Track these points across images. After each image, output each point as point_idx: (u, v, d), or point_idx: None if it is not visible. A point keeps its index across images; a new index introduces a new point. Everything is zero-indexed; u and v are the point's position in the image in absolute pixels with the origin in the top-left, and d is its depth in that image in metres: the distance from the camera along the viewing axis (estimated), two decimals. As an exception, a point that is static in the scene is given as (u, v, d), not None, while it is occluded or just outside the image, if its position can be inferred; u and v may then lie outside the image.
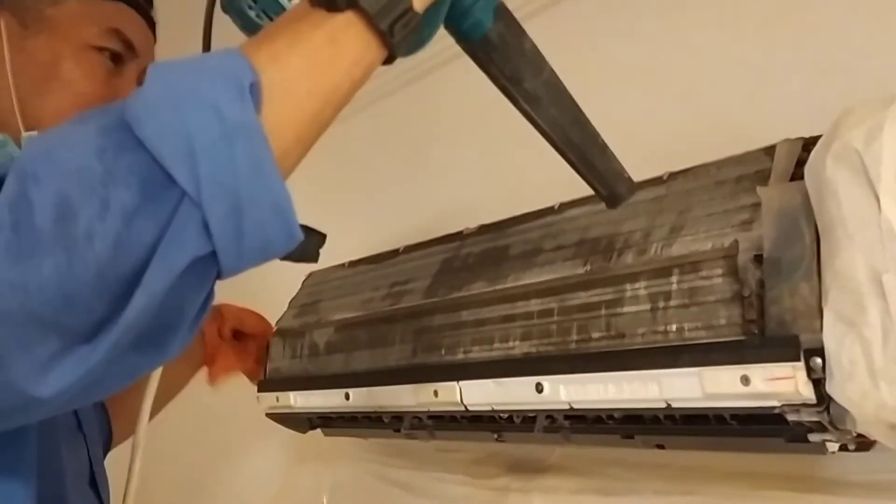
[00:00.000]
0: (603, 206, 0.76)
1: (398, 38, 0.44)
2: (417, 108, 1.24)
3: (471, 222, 0.96)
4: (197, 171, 0.36)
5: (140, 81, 0.69)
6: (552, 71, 0.53)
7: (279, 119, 0.40)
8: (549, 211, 0.84)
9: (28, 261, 0.35)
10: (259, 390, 1.11)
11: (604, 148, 0.57)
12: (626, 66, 0.95)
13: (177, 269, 0.37)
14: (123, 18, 0.67)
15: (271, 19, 0.47)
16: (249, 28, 0.48)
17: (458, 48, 1.16)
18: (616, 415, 0.70)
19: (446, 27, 0.52)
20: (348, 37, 0.42)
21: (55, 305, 0.35)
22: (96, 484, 0.70)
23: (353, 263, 1.12)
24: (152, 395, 0.75)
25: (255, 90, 0.38)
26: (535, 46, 0.53)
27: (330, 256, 1.19)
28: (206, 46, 0.52)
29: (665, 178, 0.73)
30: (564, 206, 0.83)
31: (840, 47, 0.75)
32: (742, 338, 0.59)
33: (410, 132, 1.28)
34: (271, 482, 1.45)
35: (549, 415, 0.75)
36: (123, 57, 0.67)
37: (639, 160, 0.85)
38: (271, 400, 1.10)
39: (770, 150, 0.66)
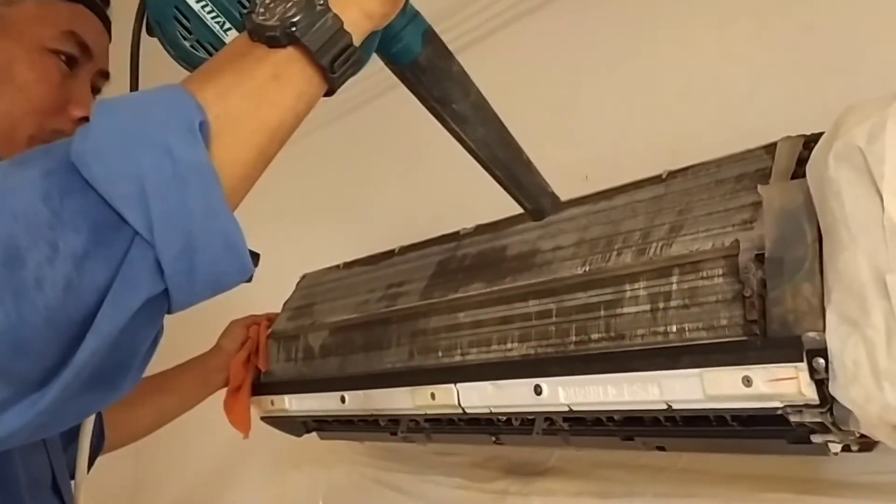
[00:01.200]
0: (603, 205, 0.76)
1: (339, 74, 0.45)
2: (412, 106, 1.24)
3: (467, 222, 0.95)
4: (149, 212, 0.36)
5: (95, 89, 0.68)
6: (479, 92, 0.55)
7: (228, 156, 0.40)
8: (547, 211, 0.83)
9: None
10: (253, 394, 1.10)
11: (528, 164, 0.58)
12: (624, 63, 0.94)
13: (130, 309, 0.36)
14: (80, 20, 0.65)
15: (205, 49, 0.47)
16: (184, 58, 0.48)
17: (451, 46, 1.15)
18: (616, 417, 0.69)
19: (376, 51, 0.52)
20: (292, 73, 0.43)
21: (5, 353, 0.34)
22: (59, 490, 0.69)
23: (347, 265, 1.11)
24: (88, 434, 0.74)
25: (204, 129, 0.38)
26: (462, 69, 0.55)
27: (324, 258, 1.18)
28: (134, 72, 0.52)
29: (664, 176, 0.72)
30: (562, 206, 0.81)
31: (841, 45, 0.75)
32: (744, 338, 0.58)
33: (405, 131, 1.27)
34: (267, 486, 1.44)
35: (548, 417, 0.74)
36: (78, 60, 0.65)
37: (638, 159, 0.85)
38: (266, 404, 1.09)
39: (771, 149, 0.65)
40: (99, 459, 0.92)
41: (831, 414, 0.54)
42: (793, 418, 0.56)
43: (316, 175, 1.40)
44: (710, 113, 0.84)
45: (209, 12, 0.46)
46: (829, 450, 0.60)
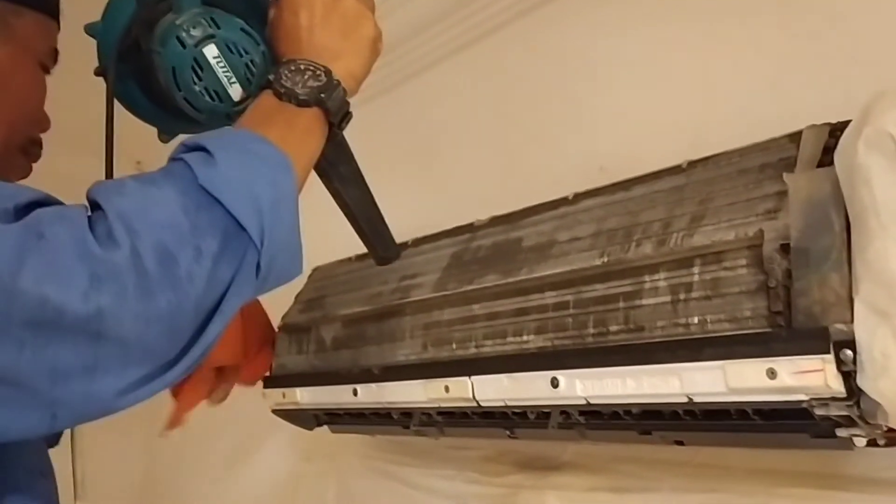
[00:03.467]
0: (620, 195, 0.75)
1: (341, 130, 0.60)
2: (426, 98, 1.22)
3: (482, 214, 0.94)
4: (262, 225, 0.47)
5: None
6: (356, 161, 0.67)
7: None
8: (564, 201, 0.82)
9: (150, 297, 0.43)
10: (265, 386, 1.09)
11: (384, 221, 0.71)
12: (643, 53, 0.93)
13: (243, 299, 0.48)
14: (56, 36, 0.67)
15: (210, 94, 0.58)
16: (189, 98, 0.58)
17: (463, 40, 1.14)
18: (634, 410, 0.68)
19: None
20: (317, 127, 0.57)
21: (161, 337, 0.44)
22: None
23: (360, 257, 1.10)
24: None
25: (291, 167, 0.51)
26: (346, 141, 0.65)
27: (336, 250, 1.17)
28: (109, 115, 0.60)
29: (684, 166, 0.71)
30: (579, 197, 0.80)
31: (866, 35, 0.73)
32: (768, 330, 0.57)
33: (420, 123, 1.26)
34: (279, 479, 1.43)
35: (564, 411, 0.73)
36: (48, 73, 0.68)
37: (655, 150, 0.84)
38: (277, 396, 1.08)
39: (795, 137, 0.64)
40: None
41: (858, 407, 0.53)
42: (818, 411, 0.55)
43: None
44: (731, 103, 0.82)
45: (222, 67, 0.58)
46: (854, 444, 0.58)
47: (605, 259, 0.69)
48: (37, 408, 0.42)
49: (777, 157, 0.64)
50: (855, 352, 0.51)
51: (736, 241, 0.60)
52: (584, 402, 0.69)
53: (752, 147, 0.67)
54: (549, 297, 0.73)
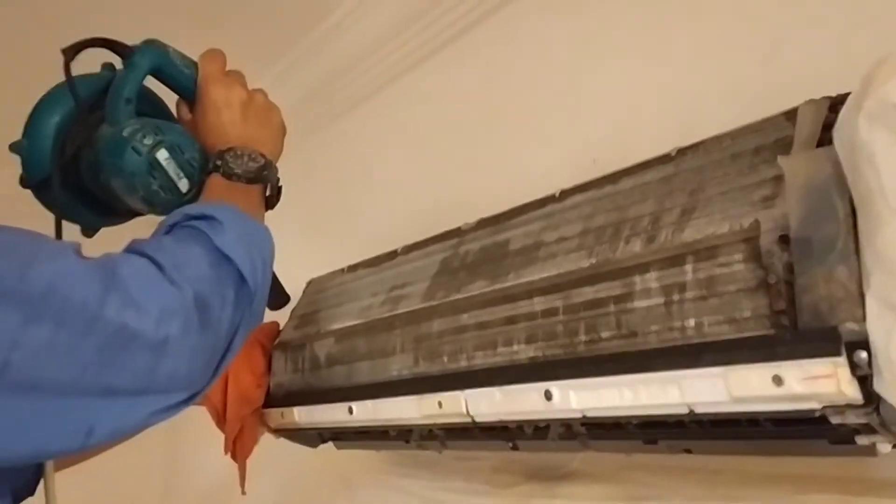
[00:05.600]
0: (608, 189, 0.70)
1: (276, 200, 0.70)
2: (408, 102, 1.18)
3: (471, 216, 0.89)
4: (257, 281, 0.58)
5: None
6: None
7: None
8: (550, 199, 0.77)
9: (203, 334, 0.51)
10: (263, 407, 1.05)
11: (275, 275, 0.74)
12: (630, 35, 0.87)
13: (245, 337, 0.58)
14: None
15: (163, 190, 0.65)
16: (146, 195, 0.65)
17: (442, 38, 1.09)
18: (635, 421, 0.63)
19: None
20: (261, 199, 0.68)
21: (201, 370, 0.52)
22: None
23: (351, 268, 1.05)
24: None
25: (270, 235, 0.64)
26: None
27: (331, 259, 1.13)
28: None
29: (673, 154, 0.66)
30: (566, 194, 0.75)
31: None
32: (771, 332, 0.51)
33: (404, 128, 1.21)
34: (289, 496, 1.40)
35: (564, 422, 0.68)
36: None
37: (648, 137, 0.78)
38: (276, 416, 1.04)
39: (791, 115, 0.58)
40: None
41: (878, 414, 0.48)
42: (834, 419, 0.50)
43: (319, 175, 1.35)
44: (721, 81, 0.76)
45: (172, 167, 0.65)
46: (877, 450, 0.53)
47: (594, 260, 0.64)
48: (79, 423, 0.46)
49: (773, 139, 0.58)
50: (870, 353, 0.46)
51: (730, 233, 0.54)
52: (580, 415, 0.64)
53: (744, 129, 0.61)
54: (538, 303, 0.68)
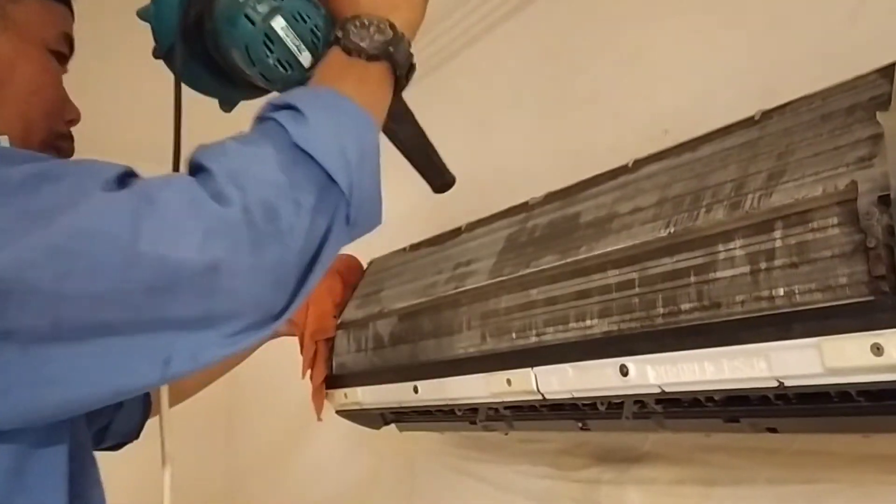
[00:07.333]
0: (686, 157, 0.67)
1: (406, 82, 0.59)
2: (473, 72, 1.16)
3: (538, 191, 0.87)
4: (351, 179, 0.49)
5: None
6: (403, 99, 0.65)
7: None
8: (623, 170, 0.74)
9: (258, 251, 0.45)
10: (327, 387, 1.06)
11: (436, 150, 0.70)
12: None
13: (338, 249, 0.50)
14: (68, 20, 0.65)
15: (282, 65, 0.58)
16: (263, 71, 0.59)
17: (507, 8, 1.06)
18: (716, 397, 0.60)
19: None
20: (385, 80, 0.57)
21: (270, 288, 0.46)
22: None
23: (413, 247, 1.04)
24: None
25: (373, 124, 0.53)
26: None
27: (391, 240, 1.12)
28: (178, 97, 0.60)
29: (757, 117, 0.62)
30: (640, 163, 0.73)
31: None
32: (870, 298, 0.48)
33: (467, 100, 1.20)
34: (354, 479, 1.41)
35: (638, 399, 0.66)
36: (64, 60, 0.65)
37: (724, 105, 0.75)
38: (340, 397, 1.04)
39: (888, 71, 0.55)
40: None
41: None
42: (939, 391, 0.47)
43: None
44: (806, 43, 0.73)
45: (290, 37, 0.58)
46: None
47: (672, 230, 0.62)
48: (153, 356, 0.44)
49: (867, 97, 0.55)
50: (980, 318, 0.43)
51: (824, 196, 0.51)
52: (658, 390, 0.62)
53: (836, 88, 0.58)
54: (612, 277, 0.66)
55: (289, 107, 0.50)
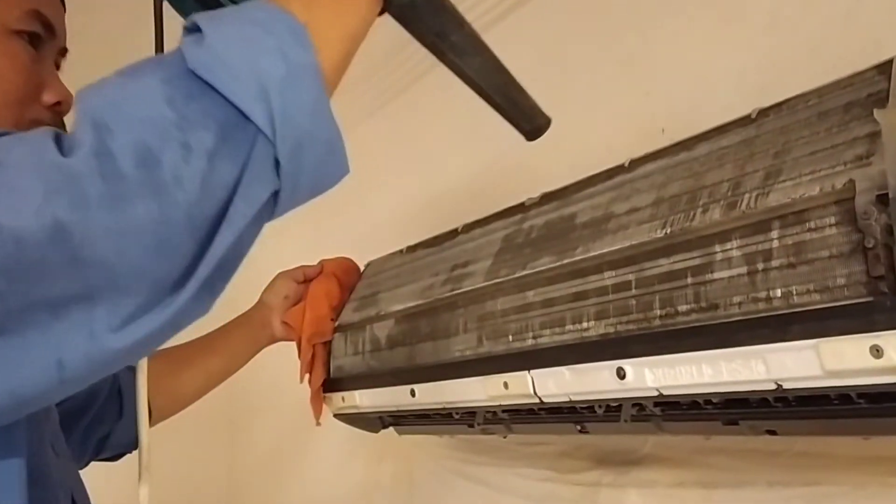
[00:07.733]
0: (683, 156, 0.67)
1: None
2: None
3: (531, 192, 0.86)
4: (271, 110, 0.38)
5: (57, 65, 0.63)
6: (470, 24, 0.57)
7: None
8: (619, 170, 0.73)
9: (121, 207, 0.36)
10: (324, 391, 1.05)
11: (521, 88, 0.61)
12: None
13: (259, 202, 0.39)
14: None
15: None
16: None
17: (502, 7, 1.05)
18: (715, 399, 0.59)
19: None
20: None
21: (146, 253, 0.37)
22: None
23: (410, 248, 1.04)
24: (144, 405, 0.69)
25: (306, 34, 0.41)
26: (453, 3, 0.56)
27: (388, 241, 1.12)
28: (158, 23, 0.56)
29: (754, 116, 0.62)
30: (636, 163, 0.72)
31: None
32: (869, 299, 0.47)
33: (460, 100, 1.19)
34: (352, 483, 1.40)
35: (636, 402, 0.65)
36: (42, 39, 0.60)
37: (721, 105, 0.74)
38: (337, 400, 1.04)
39: (885, 67, 0.54)
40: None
41: None
42: (940, 393, 0.46)
43: (375, 150, 1.34)
44: (802, 40, 0.72)
45: None
46: None
47: (668, 230, 0.61)
48: (42, 357, 0.37)
49: (865, 93, 0.54)
50: (982, 319, 0.42)
51: (821, 195, 0.50)
52: (656, 393, 0.61)
53: (832, 85, 0.57)
54: (609, 278, 0.65)
55: (196, 28, 0.41)
